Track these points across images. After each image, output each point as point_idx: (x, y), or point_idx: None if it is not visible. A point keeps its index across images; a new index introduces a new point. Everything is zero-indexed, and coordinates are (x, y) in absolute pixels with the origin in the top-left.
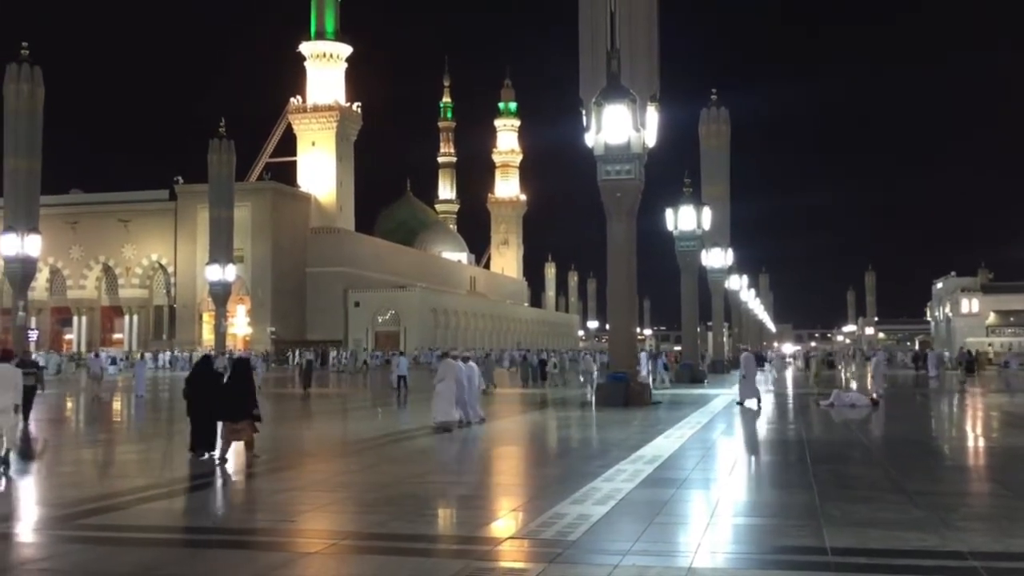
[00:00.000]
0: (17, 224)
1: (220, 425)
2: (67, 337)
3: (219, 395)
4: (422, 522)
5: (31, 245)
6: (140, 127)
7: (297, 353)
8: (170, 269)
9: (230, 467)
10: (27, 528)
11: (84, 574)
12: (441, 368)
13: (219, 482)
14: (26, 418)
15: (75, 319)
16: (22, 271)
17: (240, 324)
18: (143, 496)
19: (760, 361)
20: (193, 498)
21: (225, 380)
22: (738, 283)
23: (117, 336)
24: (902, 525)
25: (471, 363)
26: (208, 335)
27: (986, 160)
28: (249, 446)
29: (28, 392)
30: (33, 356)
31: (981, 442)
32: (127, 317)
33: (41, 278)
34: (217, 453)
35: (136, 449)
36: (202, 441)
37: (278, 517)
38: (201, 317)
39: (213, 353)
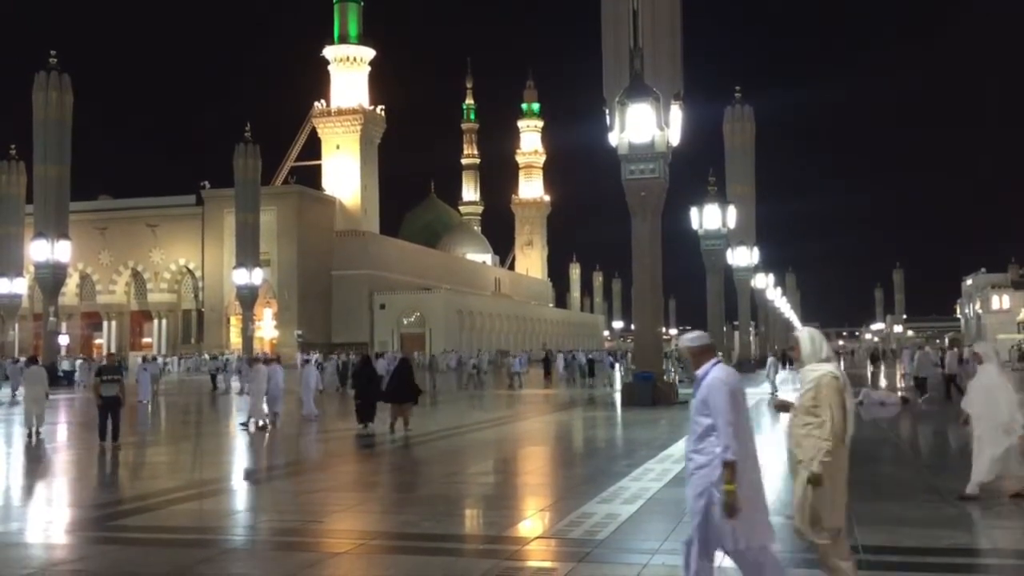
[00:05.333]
0: (47, 230)
1: (390, 406)
2: (97, 342)
3: (379, 384)
4: (451, 522)
5: (61, 251)
6: (166, 132)
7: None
8: (198, 273)
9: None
10: (60, 529)
11: (116, 574)
12: (251, 373)
13: (249, 483)
14: (116, 435)
15: (105, 324)
16: (53, 277)
17: (267, 327)
18: (173, 498)
19: (788, 360)
20: (221, 500)
21: (391, 373)
22: (764, 282)
23: (147, 340)
24: (934, 523)
25: (274, 366)
26: (236, 339)
27: (1017, 154)
28: (406, 422)
29: (113, 404)
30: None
31: (1013, 439)
32: (156, 321)
33: (71, 283)
34: (387, 427)
35: (143, 453)
36: (365, 417)
37: (307, 517)
38: (229, 321)
39: (376, 353)
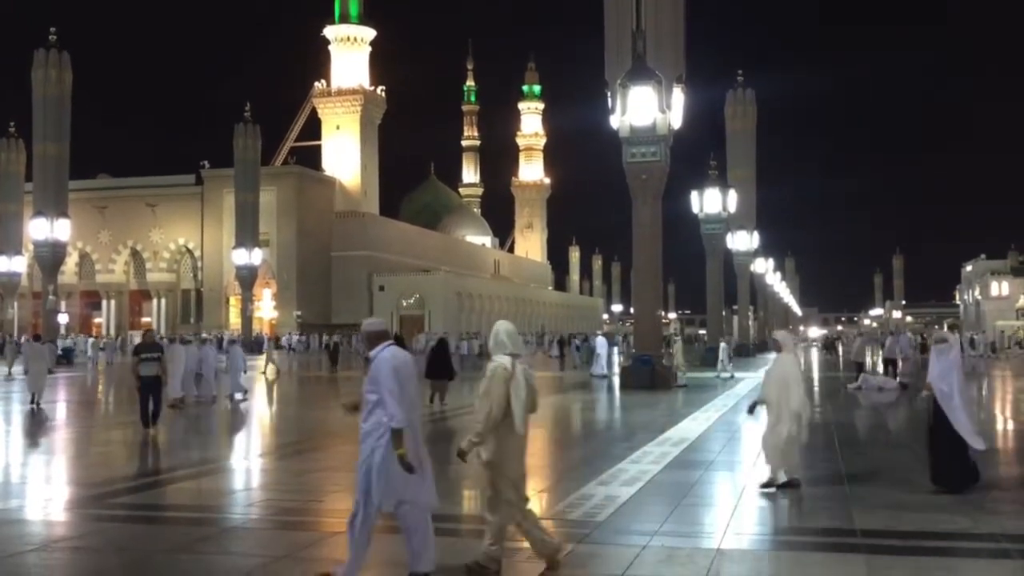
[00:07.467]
0: (47, 209)
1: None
2: (96, 321)
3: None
4: (451, 503)
5: (61, 230)
6: (166, 111)
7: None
8: (197, 253)
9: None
10: (60, 506)
11: (116, 551)
12: (169, 352)
13: (243, 464)
14: (155, 418)
15: (104, 303)
16: (52, 255)
17: (266, 308)
18: (171, 477)
19: None
20: (219, 479)
21: (430, 353)
22: (764, 266)
23: (146, 319)
24: (933, 507)
25: (206, 348)
26: (235, 319)
27: (1017, 140)
28: (442, 398)
29: (153, 384)
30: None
31: (1011, 425)
32: (155, 301)
33: (70, 262)
34: (426, 400)
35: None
36: None
37: (307, 497)
38: (228, 301)
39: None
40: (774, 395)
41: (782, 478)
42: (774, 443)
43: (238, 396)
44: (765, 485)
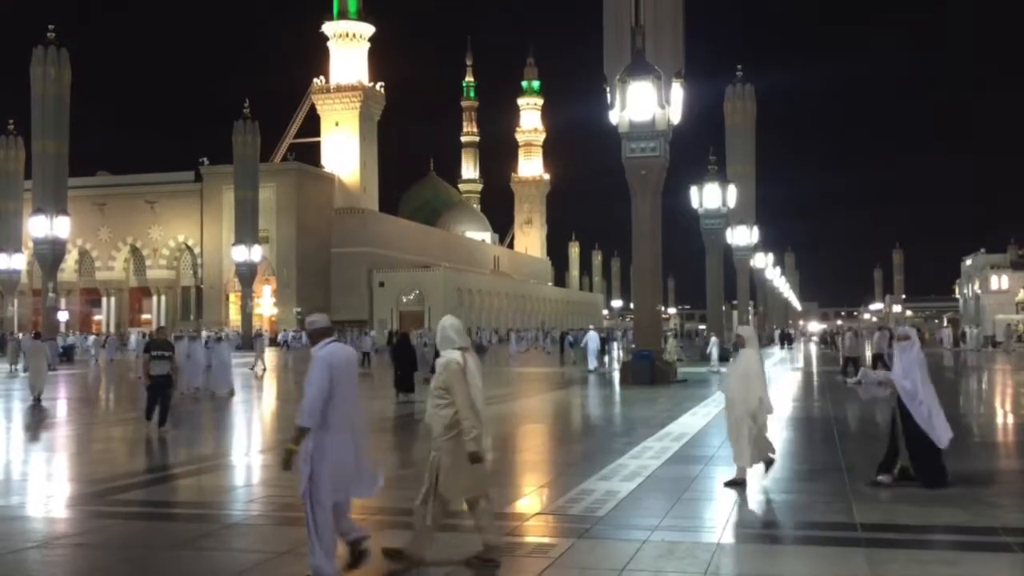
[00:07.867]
0: (46, 206)
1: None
2: (96, 318)
3: (415, 359)
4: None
5: (60, 227)
6: (165, 109)
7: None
8: (196, 250)
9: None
10: (61, 503)
11: (118, 548)
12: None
13: (245, 459)
14: (164, 419)
15: (104, 300)
16: (52, 253)
17: (266, 304)
18: (173, 473)
19: (787, 339)
20: (220, 475)
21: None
22: (763, 261)
23: (146, 316)
24: (933, 501)
25: (195, 344)
26: (235, 315)
27: (1016, 135)
28: None
29: (164, 384)
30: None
31: (1011, 419)
32: (155, 298)
33: (70, 259)
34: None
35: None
36: (402, 388)
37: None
38: (228, 297)
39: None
40: (736, 391)
41: (741, 474)
42: (744, 437)
43: (230, 392)
44: (731, 484)
